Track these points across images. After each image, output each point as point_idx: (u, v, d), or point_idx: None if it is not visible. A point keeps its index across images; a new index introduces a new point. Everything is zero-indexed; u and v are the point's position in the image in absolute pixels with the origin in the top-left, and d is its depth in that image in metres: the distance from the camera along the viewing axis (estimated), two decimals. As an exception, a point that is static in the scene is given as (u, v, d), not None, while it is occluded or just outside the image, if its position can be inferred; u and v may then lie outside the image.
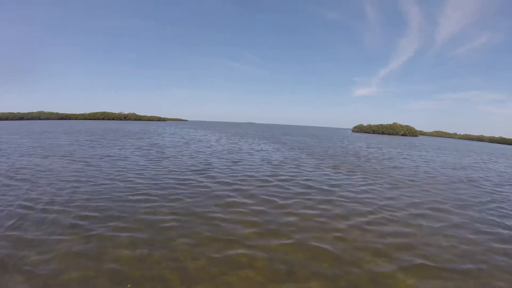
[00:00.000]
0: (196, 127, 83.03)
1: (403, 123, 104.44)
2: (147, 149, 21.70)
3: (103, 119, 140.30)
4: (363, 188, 11.77)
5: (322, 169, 15.94)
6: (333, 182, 12.54)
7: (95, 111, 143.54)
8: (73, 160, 15.53)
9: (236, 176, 12.74)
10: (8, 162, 14.39)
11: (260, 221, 7.58)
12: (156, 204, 8.54)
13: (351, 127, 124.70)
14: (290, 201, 9.39)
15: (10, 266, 5.00)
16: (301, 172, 14.52)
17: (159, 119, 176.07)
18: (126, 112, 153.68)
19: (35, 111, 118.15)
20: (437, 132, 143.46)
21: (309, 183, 12.18)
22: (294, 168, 15.77)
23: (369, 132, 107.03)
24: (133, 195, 9.35)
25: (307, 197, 10.02)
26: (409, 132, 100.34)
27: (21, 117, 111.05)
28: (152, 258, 5.44)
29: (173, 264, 5.23)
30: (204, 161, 16.78)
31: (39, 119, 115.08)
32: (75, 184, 10.41)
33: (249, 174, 13.45)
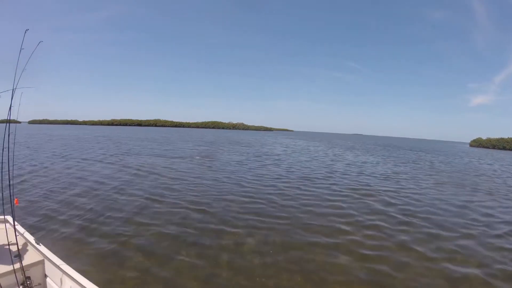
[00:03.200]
0: (305, 138, 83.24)
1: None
2: (268, 160, 22.65)
3: (213, 127, 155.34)
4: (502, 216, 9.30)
5: (456, 191, 13.41)
6: (467, 204, 10.27)
7: (206, 120, 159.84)
8: (198, 164, 17.64)
9: (359, 190, 11.86)
10: (137, 161, 17.32)
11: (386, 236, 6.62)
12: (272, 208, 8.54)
13: (467, 141, 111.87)
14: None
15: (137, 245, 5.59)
16: (435, 195, 12.46)
17: (266, 129, 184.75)
18: (235, 122, 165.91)
19: (151, 118, 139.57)
20: None
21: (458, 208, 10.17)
22: (427, 189, 13.74)
23: (488, 147, 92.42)
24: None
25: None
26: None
27: (139, 123, 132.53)
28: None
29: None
30: (329, 173, 16.36)
31: (155, 125, 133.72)
32: (195, 182, 11.51)
33: (375, 188, 12.37)
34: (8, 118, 2.84)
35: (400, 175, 17.44)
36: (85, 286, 2.58)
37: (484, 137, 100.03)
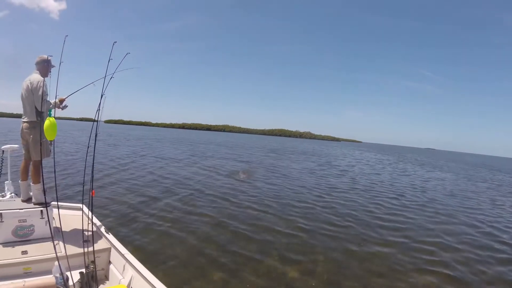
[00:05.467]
0: (375, 150, 77.57)
1: None
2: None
3: (280, 135, 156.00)
4: None
5: None
6: None
7: (273, 128, 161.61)
8: (269, 171, 17.67)
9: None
10: (211, 163, 18.19)
11: None
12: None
13: None
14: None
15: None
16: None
17: (333, 139, 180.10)
18: (302, 130, 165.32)
19: (220, 124, 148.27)
20: None
21: None
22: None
23: None
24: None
25: None
26: None
27: (208, 128, 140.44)
28: None
29: None
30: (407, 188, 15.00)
31: (223, 131, 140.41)
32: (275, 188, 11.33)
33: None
34: (98, 119, 3.11)
35: (478, 194, 15.71)
36: (146, 276, 2.74)
37: None
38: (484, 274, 5.71)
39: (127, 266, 3.08)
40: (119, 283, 3.07)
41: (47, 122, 2.81)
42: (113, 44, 3.32)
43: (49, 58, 3.67)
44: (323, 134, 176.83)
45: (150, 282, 2.68)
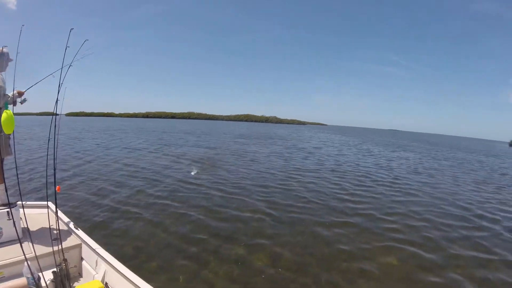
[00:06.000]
0: (339, 133, 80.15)
1: None
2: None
3: (246, 120, 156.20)
4: None
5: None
6: None
7: (239, 113, 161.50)
8: (239, 156, 17.69)
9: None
10: (180, 151, 17.80)
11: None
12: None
13: (506, 140, 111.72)
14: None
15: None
16: None
17: (299, 123, 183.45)
18: (267, 115, 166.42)
19: (185, 111, 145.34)
20: None
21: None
22: None
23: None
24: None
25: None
26: None
27: (172, 116, 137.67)
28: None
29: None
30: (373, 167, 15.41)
31: (189, 118, 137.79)
32: (244, 171, 11.43)
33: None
34: (55, 111, 2.97)
35: (441, 171, 16.71)
36: (119, 269, 2.74)
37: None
38: (447, 239, 6.29)
39: (100, 261, 3.04)
40: (93, 279, 3.00)
41: (4, 115, 2.68)
42: (70, 31, 3.14)
43: (4, 49, 3.41)
44: (289, 118, 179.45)
45: (124, 275, 2.68)
